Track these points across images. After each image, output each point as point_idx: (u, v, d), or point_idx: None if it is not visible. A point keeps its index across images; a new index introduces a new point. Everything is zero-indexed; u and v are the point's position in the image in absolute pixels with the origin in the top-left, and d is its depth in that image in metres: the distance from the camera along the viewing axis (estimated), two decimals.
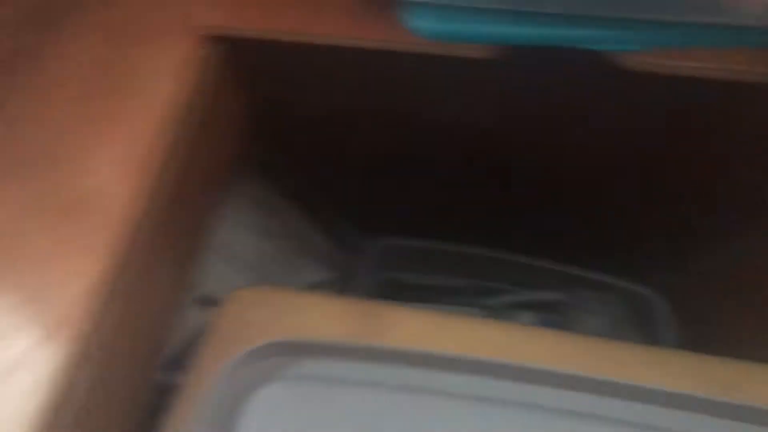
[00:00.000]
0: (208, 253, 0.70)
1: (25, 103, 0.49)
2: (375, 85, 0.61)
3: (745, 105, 0.50)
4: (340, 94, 0.62)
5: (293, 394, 0.45)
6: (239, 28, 0.51)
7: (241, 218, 0.78)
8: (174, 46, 0.51)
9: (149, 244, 0.45)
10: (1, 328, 0.39)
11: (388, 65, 0.53)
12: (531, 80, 0.54)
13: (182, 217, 0.51)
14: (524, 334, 0.41)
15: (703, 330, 0.73)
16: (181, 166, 0.49)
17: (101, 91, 0.50)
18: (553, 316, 0.82)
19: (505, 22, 0.48)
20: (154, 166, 0.46)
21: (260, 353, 0.46)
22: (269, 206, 0.85)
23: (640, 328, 0.79)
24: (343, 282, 0.93)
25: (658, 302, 0.77)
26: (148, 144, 0.46)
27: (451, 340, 0.43)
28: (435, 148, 0.72)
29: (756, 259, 0.68)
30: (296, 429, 0.44)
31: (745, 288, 0.69)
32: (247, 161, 0.79)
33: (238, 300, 0.50)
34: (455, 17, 0.49)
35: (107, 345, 0.41)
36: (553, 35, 0.48)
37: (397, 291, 0.92)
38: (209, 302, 0.72)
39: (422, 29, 0.49)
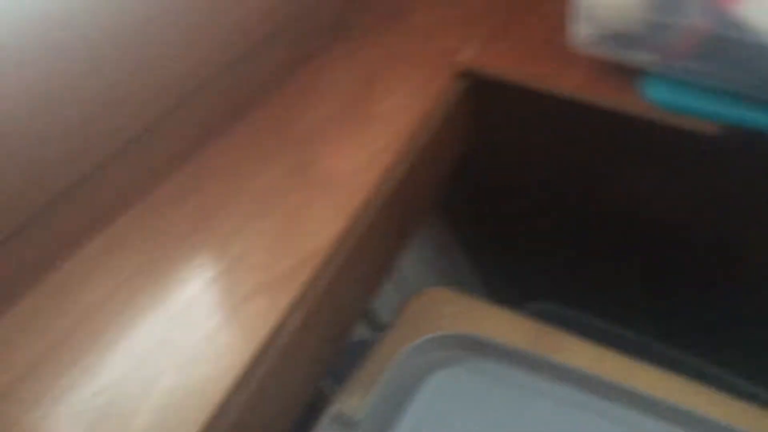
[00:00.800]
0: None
1: (297, 101, 0.60)
2: (601, 145, 0.64)
3: None
4: (560, 146, 0.66)
5: (462, 384, 0.49)
6: (491, 67, 0.59)
7: (423, 254, 0.84)
8: (426, 74, 0.60)
9: (366, 225, 0.52)
10: (256, 260, 0.47)
11: (618, 127, 0.57)
12: (753, 163, 0.55)
13: (393, 214, 0.58)
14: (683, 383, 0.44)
15: None
16: (404, 173, 0.56)
17: (357, 100, 0.59)
18: None
19: (736, 105, 0.52)
20: (385, 166, 0.54)
21: (438, 343, 0.51)
22: (446, 250, 0.92)
23: None
24: None
25: None
26: (385, 149, 0.55)
27: (617, 374, 0.47)
28: (624, 220, 0.75)
29: None
30: (461, 414, 0.48)
31: None
32: (442, 204, 0.86)
33: (426, 296, 0.56)
34: (691, 92, 0.53)
35: (315, 305, 0.46)
36: None
37: None
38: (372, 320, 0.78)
39: (660, 99, 0.54)
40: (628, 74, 0.56)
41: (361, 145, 0.55)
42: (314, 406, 0.50)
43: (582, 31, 0.54)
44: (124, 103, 0.49)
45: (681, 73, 0.53)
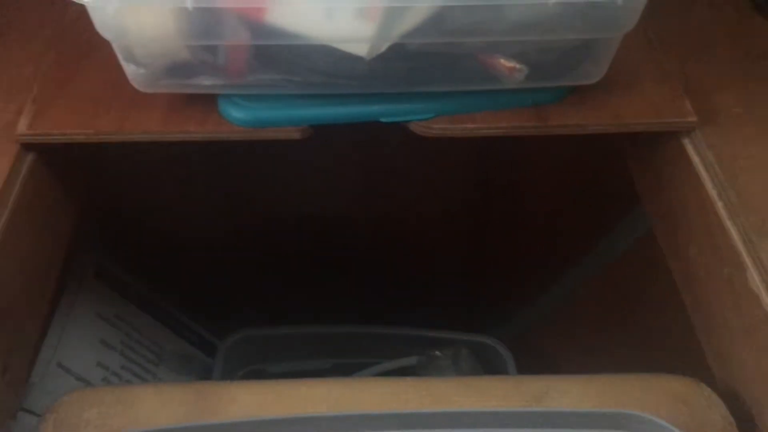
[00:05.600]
0: (42, 369, 0.67)
1: None
2: (203, 176, 0.63)
3: (526, 150, 0.57)
4: (169, 188, 0.63)
5: None
6: (58, 131, 0.52)
7: (77, 332, 0.75)
8: None
9: None
10: None
11: (212, 154, 0.55)
12: (342, 155, 0.59)
13: None
14: (352, 385, 0.44)
15: (536, 362, 0.79)
16: None
17: None
18: None
19: (311, 105, 0.53)
20: None
21: None
22: (113, 316, 0.83)
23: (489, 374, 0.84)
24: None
25: (500, 348, 0.83)
26: None
27: (287, 405, 0.45)
28: (274, 233, 0.75)
29: (573, 297, 0.76)
30: None
31: (561, 322, 0.76)
32: (84, 270, 0.77)
33: (67, 404, 0.48)
34: (265, 105, 0.53)
35: None
36: (352, 113, 0.53)
37: None
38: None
39: (237, 118, 0.53)
40: (204, 101, 0.54)
41: None
42: None
43: (134, 72, 0.50)
44: None
45: (248, 89, 0.52)
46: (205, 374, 0.92)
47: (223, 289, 0.86)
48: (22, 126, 0.52)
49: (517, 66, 0.51)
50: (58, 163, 0.56)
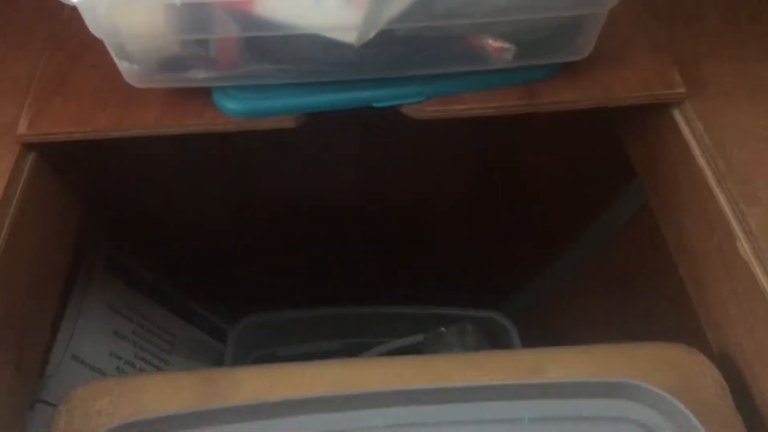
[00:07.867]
0: (57, 361, 0.69)
1: None
2: (208, 168, 0.64)
3: (525, 131, 0.57)
4: (174, 180, 0.65)
5: None
6: (58, 131, 0.53)
7: (89, 324, 0.76)
8: None
9: None
10: None
11: (215, 147, 0.56)
12: (343, 144, 0.60)
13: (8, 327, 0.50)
14: (356, 366, 0.45)
15: (541, 336, 0.81)
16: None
17: None
18: None
19: (304, 93, 0.54)
20: None
21: None
22: (124, 306, 0.85)
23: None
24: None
25: (505, 323, 0.84)
26: None
27: (293, 387, 0.46)
28: (279, 221, 0.76)
29: (571, 275, 0.77)
30: None
31: (566, 296, 0.77)
32: (93, 263, 0.79)
33: (79, 395, 0.50)
34: (259, 95, 0.54)
35: None
36: (345, 99, 0.54)
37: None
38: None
39: (232, 109, 0.54)
40: (200, 95, 0.54)
41: None
42: None
43: (128, 69, 0.51)
44: None
45: (241, 80, 0.53)
46: (217, 360, 0.94)
47: (232, 276, 0.87)
48: (22, 126, 0.54)
49: (505, 46, 0.51)
50: (60, 161, 0.57)
